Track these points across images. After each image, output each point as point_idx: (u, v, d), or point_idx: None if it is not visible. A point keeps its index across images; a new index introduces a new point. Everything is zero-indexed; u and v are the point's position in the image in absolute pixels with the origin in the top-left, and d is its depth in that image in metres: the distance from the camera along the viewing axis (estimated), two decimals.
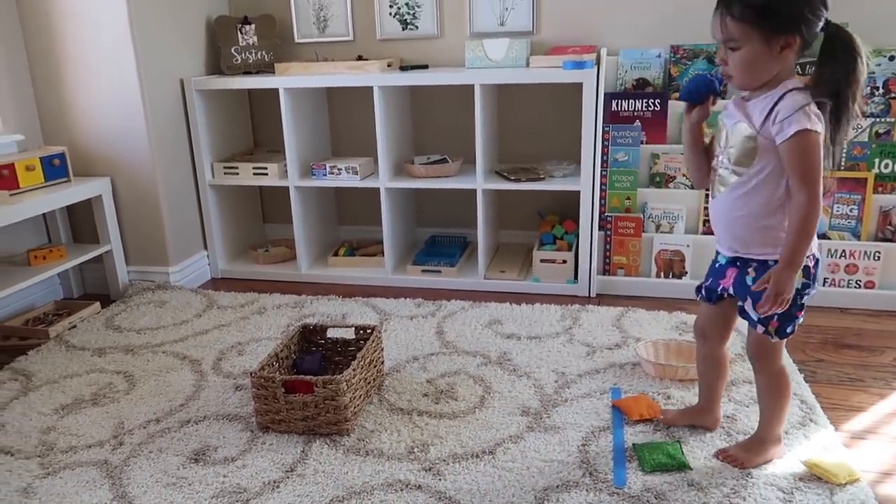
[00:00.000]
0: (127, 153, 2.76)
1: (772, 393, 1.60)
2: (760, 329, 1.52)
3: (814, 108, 1.36)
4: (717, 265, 1.62)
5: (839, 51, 1.36)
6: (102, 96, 2.70)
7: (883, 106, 2.50)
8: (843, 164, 2.52)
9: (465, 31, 2.97)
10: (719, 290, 1.59)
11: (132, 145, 2.74)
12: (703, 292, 1.66)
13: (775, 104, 1.38)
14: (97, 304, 2.72)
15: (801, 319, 1.52)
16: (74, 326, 2.57)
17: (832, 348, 2.23)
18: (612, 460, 1.65)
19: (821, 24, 1.36)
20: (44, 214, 2.81)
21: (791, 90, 1.38)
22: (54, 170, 2.64)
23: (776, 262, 1.44)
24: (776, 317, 1.48)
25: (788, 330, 1.51)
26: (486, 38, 2.78)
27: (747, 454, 1.63)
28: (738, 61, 1.39)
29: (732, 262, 1.55)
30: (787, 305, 1.43)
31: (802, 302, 1.49)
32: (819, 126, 1.35)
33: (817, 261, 1.49)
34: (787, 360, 2.08)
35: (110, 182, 2.79)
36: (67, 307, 2.73)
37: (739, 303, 1.55)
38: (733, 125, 1.47)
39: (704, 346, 1.72)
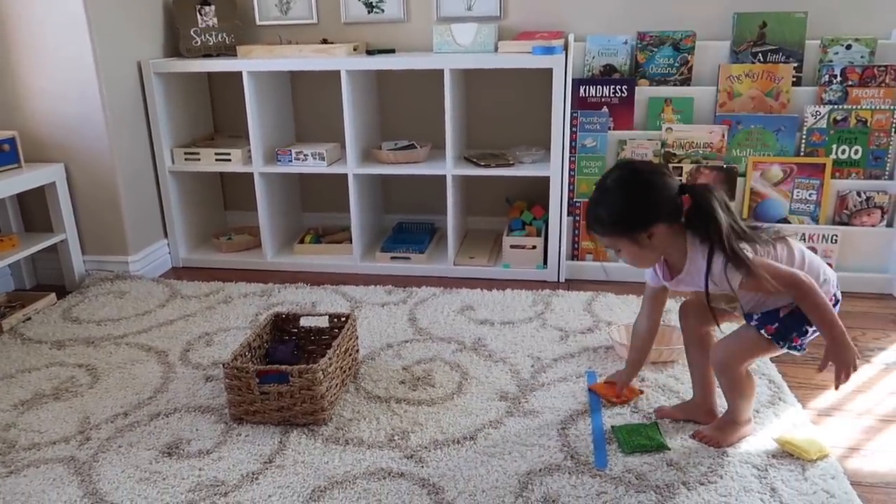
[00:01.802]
0: (82, 138, 2.65)
1: (733, 393, 1.63)
2: (754, 324, 1.55)
3: (730, 251, 1.41)
4: None
5: (696, 210, 1.44)
6: (56, 80, 2.58)
7: (840, 94, 2.57)
8: (802, 150, 2.59)
9: (431, 16, 2.94)
10: None
11: (87, 130, 2.63)
12: None
13: (706, 275, 1.46)
14: (52, 296, 2.61)
15: (787, 348, 1.53)
16: (29, 319, 2.46)
17: None
18: (591, 443, 1.67)
19: (673, 193, 1.44)
20: None
21: (703, 261, 1.46)
22: (4, 155, 2.52)
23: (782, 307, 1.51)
24: (776, 324, 1.51)
25: (781, 342, 1.52)
26: (454, 23, 2.76)
27: (721, 434, 1.66)
28: (626, 258, 1.54)
29: None
30: (857, 369, 1.42)
31: (803, 339, 1.52)
32: (749, 253, 1.42)
33: (838, 301, 1.54)
34: None
35: (64, 168, 2.67)
36: (20, 299, 2.61)
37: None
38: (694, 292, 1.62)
39: (692, 326, 1.73)
